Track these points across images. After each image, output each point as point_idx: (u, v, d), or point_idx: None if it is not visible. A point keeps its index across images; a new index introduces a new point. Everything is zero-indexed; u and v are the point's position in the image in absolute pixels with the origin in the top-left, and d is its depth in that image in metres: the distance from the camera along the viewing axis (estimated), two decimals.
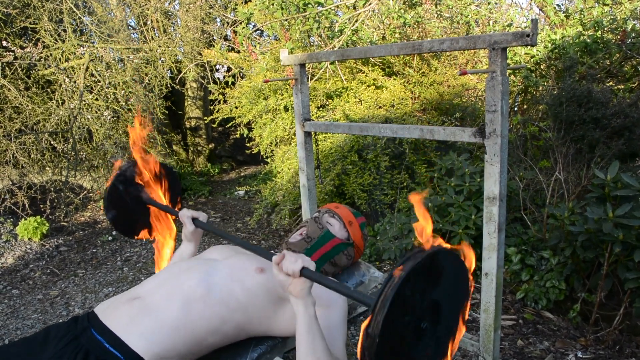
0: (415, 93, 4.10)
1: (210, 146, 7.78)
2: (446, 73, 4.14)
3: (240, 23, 4.55)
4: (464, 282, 1.11)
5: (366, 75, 4.17)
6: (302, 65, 2.40)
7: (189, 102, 7.42)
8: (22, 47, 4.33)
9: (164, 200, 1.99)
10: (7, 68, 4.59)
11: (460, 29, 4.31)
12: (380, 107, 3.97)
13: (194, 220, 1.77)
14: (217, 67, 7.48)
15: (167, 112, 6.18)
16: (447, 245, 1.05)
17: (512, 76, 3.83)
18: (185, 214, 1.78)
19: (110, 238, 4.69)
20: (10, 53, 4.15)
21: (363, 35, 4.07)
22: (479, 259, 1.76)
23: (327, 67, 4.15)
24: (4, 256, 4.22)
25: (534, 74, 3.64)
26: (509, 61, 3.78)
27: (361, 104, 4.02)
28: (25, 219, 4.49)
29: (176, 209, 1.93)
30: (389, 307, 0.92)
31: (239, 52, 5.05)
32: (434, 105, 3.98)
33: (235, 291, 1.46)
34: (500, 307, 1.78)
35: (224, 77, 6.60)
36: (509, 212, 3.25)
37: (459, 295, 1.13)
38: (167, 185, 2.01)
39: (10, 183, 4.64)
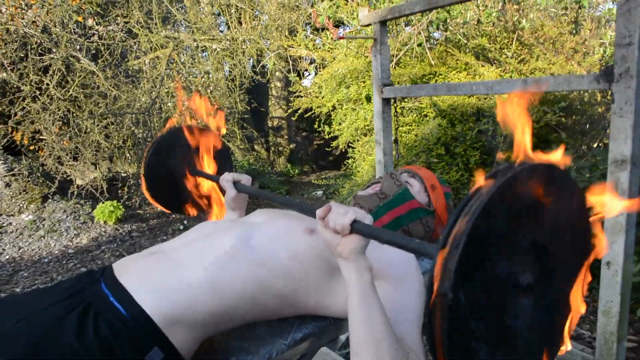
0: None
1: (291, 147, 7.66)
2: (550, 59, 3.65)
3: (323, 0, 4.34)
4: (579, 224, 0.77)
5: (457, 61, 3.78)
6: (383, 23, 2.11)
7: (273, 102, 7.36)
8: (106, 27, 4.40)
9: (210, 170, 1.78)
10: (99, 53, 4.72)
11: None
12: (471, 96, 3.57)
13: (235, 184, 1.51)
14: (305, 73, 7.35)
15: (248, 107, 6.12)
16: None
17: None
18: (226, 178, 1.51)
19: (182, 227, 4.62)
20: (96, 32, 4.23)
21: None
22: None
23: (413, 46, 3.79)
24: (80, 236, 4.26)
25: None
26: None
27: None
28: (103, 203, 4.53)
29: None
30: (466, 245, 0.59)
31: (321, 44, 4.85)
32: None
33: (279, 253, 1.16)
34: (628, 309, 1.35)
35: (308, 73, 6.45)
36: None
37: (570, 246, 0.77)
38: (217, 159, 1.79)
39: (93, 169, 4.72)
